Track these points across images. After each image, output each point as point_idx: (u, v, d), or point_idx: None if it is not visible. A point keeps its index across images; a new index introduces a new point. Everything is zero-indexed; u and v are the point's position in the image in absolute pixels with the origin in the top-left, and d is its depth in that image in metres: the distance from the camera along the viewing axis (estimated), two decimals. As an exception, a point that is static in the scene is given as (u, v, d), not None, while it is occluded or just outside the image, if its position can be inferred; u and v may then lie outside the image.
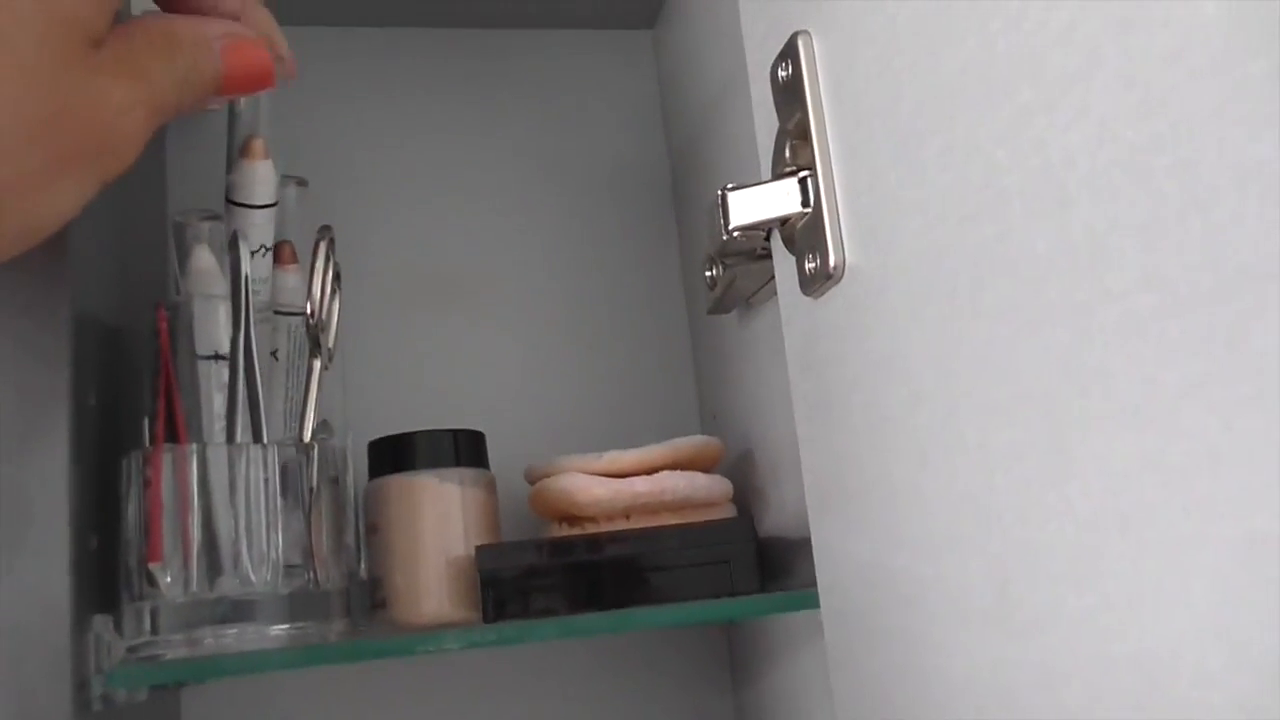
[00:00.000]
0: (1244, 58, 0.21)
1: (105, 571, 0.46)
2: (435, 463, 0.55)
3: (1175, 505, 0.22)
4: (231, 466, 0.46)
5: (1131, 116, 0.23)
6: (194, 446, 0.47)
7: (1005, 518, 0.29)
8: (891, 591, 0.36)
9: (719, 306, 0.59)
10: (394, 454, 0.55)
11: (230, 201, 0.51)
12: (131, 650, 0.44)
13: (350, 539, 0.52)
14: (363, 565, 0.54)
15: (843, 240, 0.38)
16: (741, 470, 0.62)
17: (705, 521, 0.54)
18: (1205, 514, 0.22)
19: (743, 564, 0.52)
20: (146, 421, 0.48)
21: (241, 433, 0.48)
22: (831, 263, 0.39)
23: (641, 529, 0.53)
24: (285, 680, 0.63)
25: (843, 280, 0.39)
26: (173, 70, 0.36)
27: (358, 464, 0.56)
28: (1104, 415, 0.25)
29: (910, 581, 0.35)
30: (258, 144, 0.51)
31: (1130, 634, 0.24)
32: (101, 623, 0.43)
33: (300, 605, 0.46)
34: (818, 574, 0.42)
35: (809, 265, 0.40)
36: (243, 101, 0.51)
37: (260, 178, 0.51)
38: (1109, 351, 0.24)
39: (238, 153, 0.51)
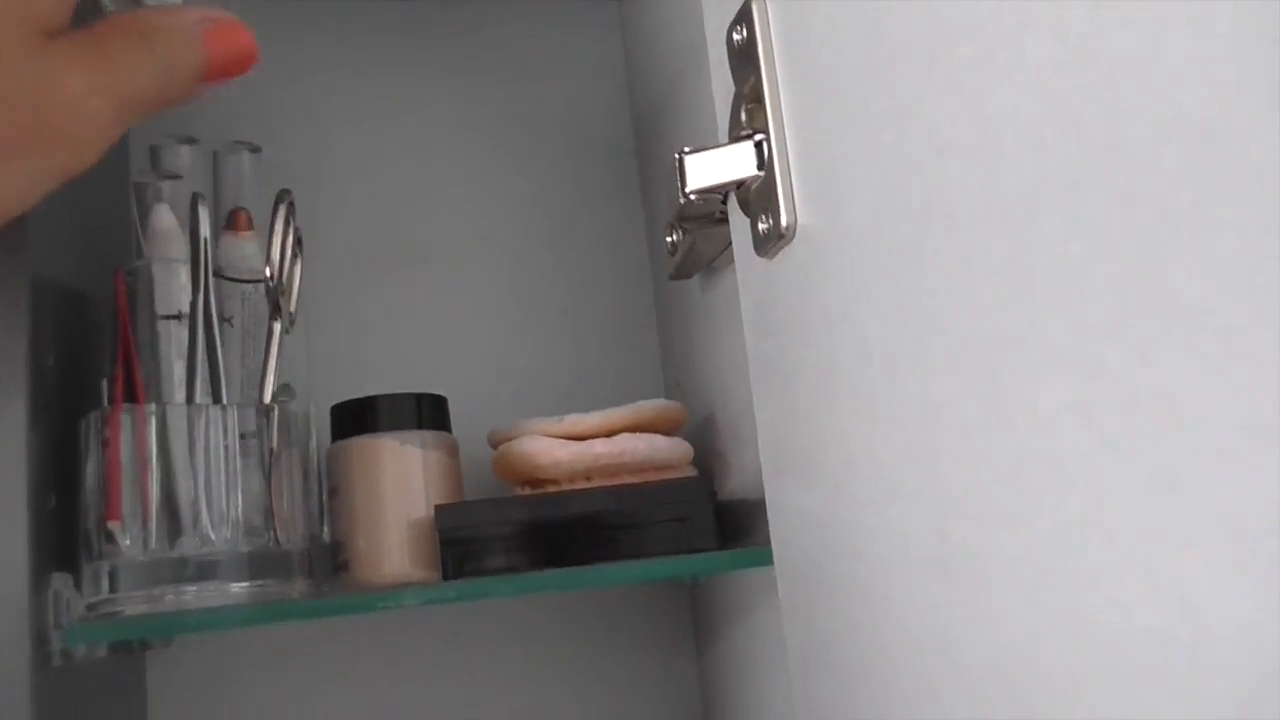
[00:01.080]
0: (1167, 6, 0.21)
1: (64, 532, 0.46)
2: (397, 425, 0.55)
3: (1097, 443, 0.23)
4: (191, 427, 0.47)
5: (1061, 68, 0.24)
6: (152, 407, 0.47)
7: (945, 465, 0.30)
8: (841, 543, 0.37)
9: (680, 272, 0.60)
10: (356, 417, 0.56)
11: (219, 276, 0.52)
12: (91, 608, 0.44)
13: (312, 501, 0.53)
14: (325, 529, 0.55)
15: (795, 201, 0.39)
16: (704, 434, 0.63)
17: (662, 480, 0.55)
18: (1124, 450, 0.22)
19: (700, 521, 0.52)
20: (105, 383, 0.48)
21: (201, 394, 0.48)
22: (784, 223, 0.39)
23: (598, 487, 0.54)
24: (249, 644, 0.64)
25: (794, 240, 0.39)
26: (150, 59, 0.36)
27: (320, 429, 0.56)
28: (1035, 360, 0.25)
29: (859, 533, 0.36)
30: (243, 217, 0.51)
31: (1058, 571, 0.25)
32: (60, 580, 0.43)
33: (261, 564, 0.47)
34: (771, 529, 0.43)
35: (762, 226, 0.41)
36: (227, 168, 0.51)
37: (247, 253, 0.51)
38: (1040, 298, 0.25)
39: (223, 224, 0.52)
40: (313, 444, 0.55)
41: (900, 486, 0.33)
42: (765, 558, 0.44)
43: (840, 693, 0.38)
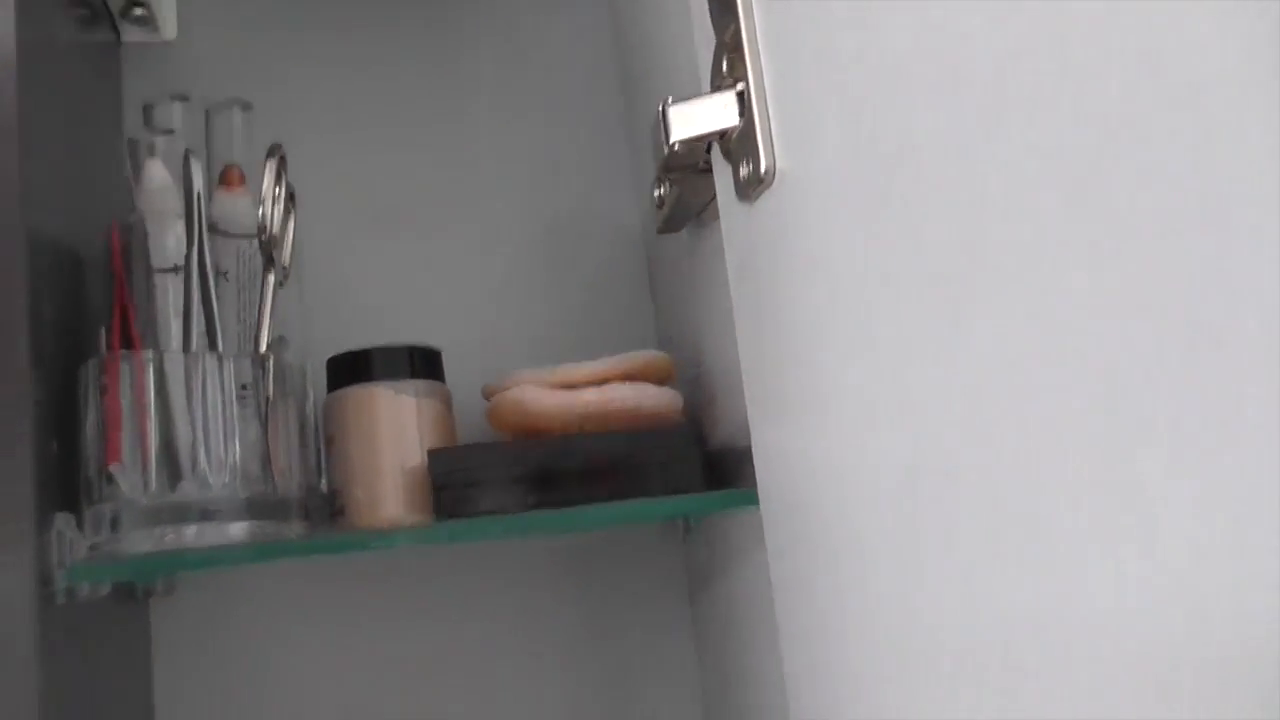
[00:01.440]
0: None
1: (67, 480, 0.47)
2: (391, 375, 0.56)
3: (1054, 353, 0.24)
4: (188, 376, 0.48)
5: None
6: (150, 354, 0.48)
7: (914, 393, 0.31)
8: (819, 479, 0.38)
9: (668, 225, 0.61)
10: (351, 368, 0.57)
11: (213, 231, 0.52)
12: (93, 548, 0.45)
13: (309, 451, 0.54)
14: (323, 479, 0.56)
15: (774, 145, 0.40)
16: (695, 383, 0.64)
17: (649, 425, 0.56)
18: (1078, 358, 0.23)
19: (687, 465, 0.53)
20: (103, 330, 0.49)
21: (197, 346, 0.49)
22: (763, 167, 0.40)
23: (587, 433, 0.55)
24: (250, 590, 0.65)
25: (774, 184, 0.40)
26: None
27: (316, 384, 0.57)
28: (996, 286, 0.26)
29: (836, 468, 0.37)
30: (235, 173, 0.52)
31: (1015, 487, 0.26)
32: (64, 520, 0.44)
33: (259, 508, 0.48)
34: (757, 471, 0.44)
35: (743, 171, 0.41)
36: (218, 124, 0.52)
37: (240, 208, 0.52)
38: (1000, 224, 0.26)
39: (216, 181, 0.52)
40: (309, 400, 0.56)
41: (873, 419, 0.34)
42: (752, 498, 0.44)
43: (820, 627, 0.39)
